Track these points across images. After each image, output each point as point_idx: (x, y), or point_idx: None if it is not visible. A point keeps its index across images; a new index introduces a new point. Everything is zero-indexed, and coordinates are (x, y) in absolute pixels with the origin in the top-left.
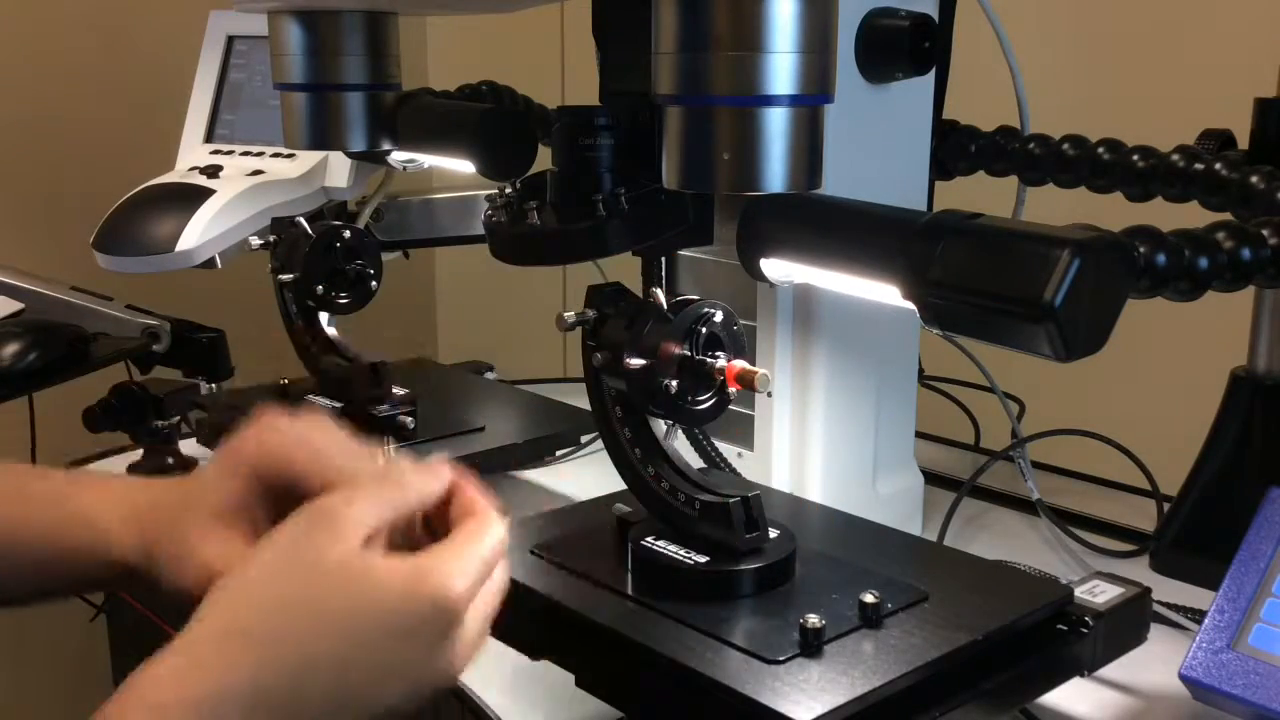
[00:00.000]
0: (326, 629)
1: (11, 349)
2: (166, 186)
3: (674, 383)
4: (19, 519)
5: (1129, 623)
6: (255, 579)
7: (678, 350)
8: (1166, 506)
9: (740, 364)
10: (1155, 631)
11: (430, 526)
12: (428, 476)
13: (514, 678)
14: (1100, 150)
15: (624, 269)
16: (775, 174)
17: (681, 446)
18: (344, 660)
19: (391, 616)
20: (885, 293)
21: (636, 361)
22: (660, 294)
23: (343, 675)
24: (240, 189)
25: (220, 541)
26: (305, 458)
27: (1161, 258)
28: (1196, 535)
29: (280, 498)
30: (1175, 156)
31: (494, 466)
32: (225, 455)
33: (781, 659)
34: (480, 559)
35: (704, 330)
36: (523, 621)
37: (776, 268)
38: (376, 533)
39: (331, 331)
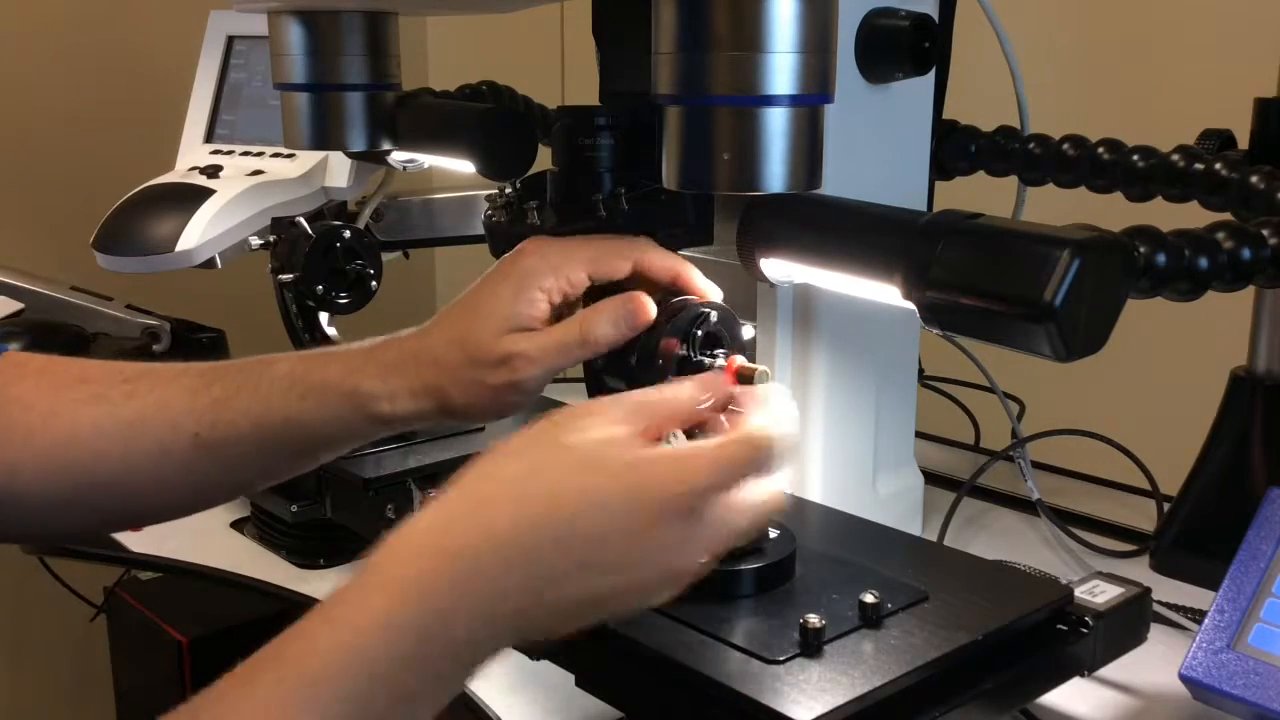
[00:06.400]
0: (556, 515)
1: (11, 349)
2: (166, 186)
3: None
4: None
5: (1129, 623)
6: (495, 465)
7: (678, 350)
8: (1166, 506)
9: (740, 361)
10: (1155, 631)
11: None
12: (693, 392)
13: (514, 678)
14: (1100, 150)
15: None
16: (775, 174)
17: None
18: (573, 544)
19: (610, 511)
20: (885, 293)
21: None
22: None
23: (575, 557)
24: (240, 189)
25: (525, 338)
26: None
27: (1161, 258)
28: (1196, 535)
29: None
30: (1175, 156)
31: None
32: (505, 279)
33: (781, 659)
34: (721, 469)
35: (700, 332)
36: None
37: (776, 268)
38: (631, 430)
39: (331, 331)
